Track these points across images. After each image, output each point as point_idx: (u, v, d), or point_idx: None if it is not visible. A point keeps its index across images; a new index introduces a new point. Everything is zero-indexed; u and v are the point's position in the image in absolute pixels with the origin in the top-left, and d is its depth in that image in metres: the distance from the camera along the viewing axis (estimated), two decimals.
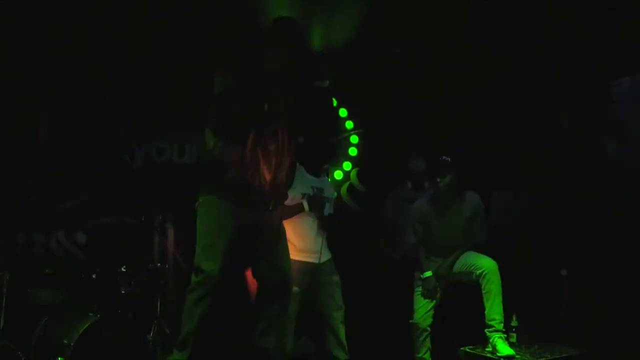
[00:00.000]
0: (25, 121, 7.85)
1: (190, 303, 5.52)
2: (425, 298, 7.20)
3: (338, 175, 9.05)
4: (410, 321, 7.23)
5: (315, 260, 6.82)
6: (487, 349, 6.87)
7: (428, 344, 7.19)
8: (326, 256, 6.94)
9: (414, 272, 7.42)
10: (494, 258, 7.03)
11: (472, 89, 8.63)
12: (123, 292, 6.79)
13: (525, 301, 7.52)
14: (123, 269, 6.81)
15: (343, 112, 9.09)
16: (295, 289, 6.43)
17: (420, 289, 7.26)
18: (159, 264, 7.02)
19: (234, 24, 7.65)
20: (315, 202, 6.81)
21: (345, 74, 8.23)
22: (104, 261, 6.98)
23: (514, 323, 7.08)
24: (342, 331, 6.89)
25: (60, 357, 5.94)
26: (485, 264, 6.97)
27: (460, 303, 7.42)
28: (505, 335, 6.85)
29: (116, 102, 8.21)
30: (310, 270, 6.82)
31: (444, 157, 7.20)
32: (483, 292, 6.90)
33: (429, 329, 7.16)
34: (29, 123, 7.88)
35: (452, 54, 8.37)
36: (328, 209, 6.97)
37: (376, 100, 8.87)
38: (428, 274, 7.20)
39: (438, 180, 7.17)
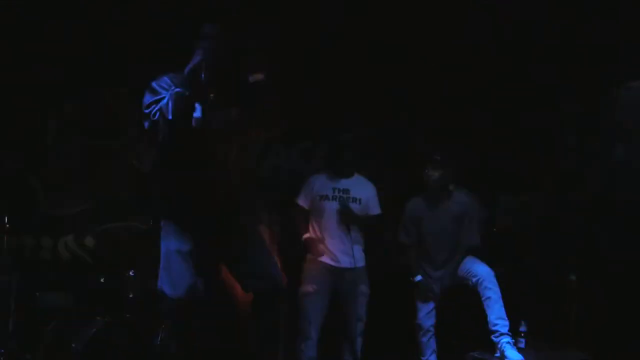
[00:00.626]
0: (34, 124, 7.87)
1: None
2: (420, 301, 7.26)
3: None
4: (416, 322, 7.27)
5: (336, 264, 6.93)
6: (495, 355, 6.84)
7: (433, 345, 7.23)
8: (354, 263, 7.00)
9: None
10: (499, 262, 7.11)
11: (473, 89, 8.61)
12: (131, 296, 6.80)
13: (534, 306, 7.55)
14: (131, 273, 6.82)
15: None
16: (310, 288, 6.43)
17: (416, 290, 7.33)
18: None
19: None
20: (340, 204, 6.96)
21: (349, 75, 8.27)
22: (112, 265, 7.01)
23: (522, 328, 7.04)
24: (357, 343, 6.95)
25: None
26: (480, 271, 7.00)
27: (468, 307, 7.36)
28: (514, 340, 6.83)
29: (125, 105, 8.22)
30: (332, 272, 6.93)
31: (435, 156, 7.29)
32: (482, 300, 6.93)
33: (432, 329, 7.22)
34: (38, 126, 7.89)
35: (452, 54, 8.37)
36: (360, 209, 7.08)
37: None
38: (418, 277, 7.26)
39: (426, 172, 7.26)
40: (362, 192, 7.19)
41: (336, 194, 7.08)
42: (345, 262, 7.00)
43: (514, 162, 8.46)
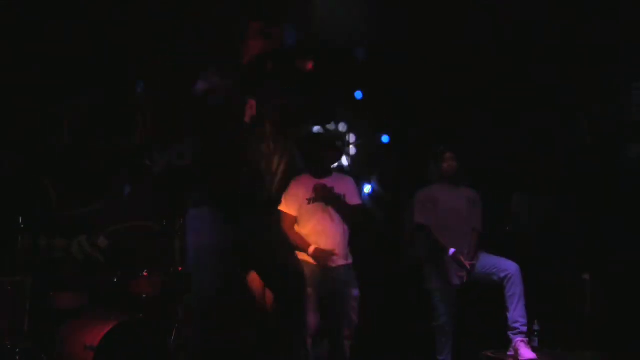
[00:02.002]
0: (47, 125, 7.90)
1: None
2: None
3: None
4: (434, 324, 7.26)
5: (331, 263, 6.88)
6: (508, 353, 6.88)
7: (450, 345, 7.23)
8: (347, 259, 6.99)
9: (424, 270, 7.48)
10: (513, 260, 7.06)
11: (474, 89, 8.63)
12: (144, 296, 6.82)
13: (547, 305, 7.56)
14: (144, 273, 6.84)
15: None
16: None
17: (439, 292, 7.28)
18: (180, 268, 7.04)
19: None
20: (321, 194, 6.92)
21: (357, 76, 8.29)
22: (126, 265, 7.04)
23: (536, 327, 7.13)
24: (345, 348, 6.87)
25: None
26: (509, 267, 7.00)
27: (482, 306, 7.48)
28: (528, 339, 6.85)
29: (137, 105, 8.25)
30: (324, 272, 6.86)
31: (447, 149, 7.49)
32: (507, 295, 6.93)
33: (452, 330, 7.22)
34: (51, 127, 7.91)
35: (457, 55, 8.38)
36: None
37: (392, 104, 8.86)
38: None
39: (448, 165, 7.43)
40: (343, 186, 7.13)
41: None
42: (339, 260, 6.96)
43: (526, 162, 8.46)
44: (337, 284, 6.87)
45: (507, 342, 6.88)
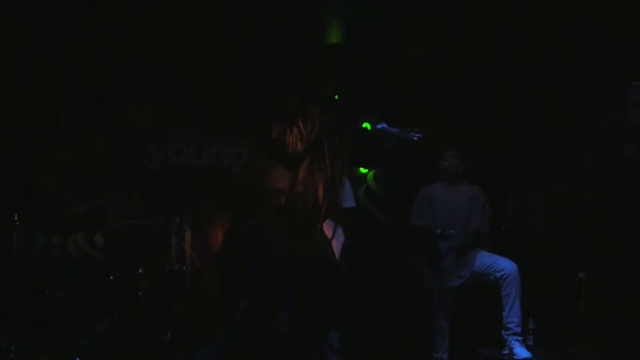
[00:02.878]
0: (43, 122, 7.91)
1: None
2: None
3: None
4: (432, 322, 7.23)
5: None
6: (503, 352, 6.85)
7: (446, 344, 7.19)
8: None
9: (423, 270, 7.39)
10: (509, 259, 7.03)
11: (490, 88, 8.63)
12: (140, 294, 6.83)
13: (543, 303, 7.51)
14: (140, 271, 6.85)
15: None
16: None
17: (437, 291, 7.21)
18: (176, 266, 7.05)
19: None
20: None
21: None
22: (122, 263, 7.04)
23: (531, 326, 7.09)
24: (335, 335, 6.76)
25: (78, 358, 5.99)
26: (506, 267, 6.94)
27: (479, 304, 7.43)
28: (522, 338, 6.84)
29: (134, 104, 8.26)
30: None
31: (450, 149, 7.42)
32: (502, 294, 6.88)
33: (448, 328, 7.18)
34: (47, 124, 7.92)
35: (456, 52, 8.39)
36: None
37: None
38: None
39: (449, 164, 7.31)
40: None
41: None
42: None
43: (523, 160, 8.47)
44: None
45: (503, 340, 6.85)
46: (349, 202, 7.03)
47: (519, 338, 6.79)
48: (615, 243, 7.60)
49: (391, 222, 8.86)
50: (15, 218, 6.71)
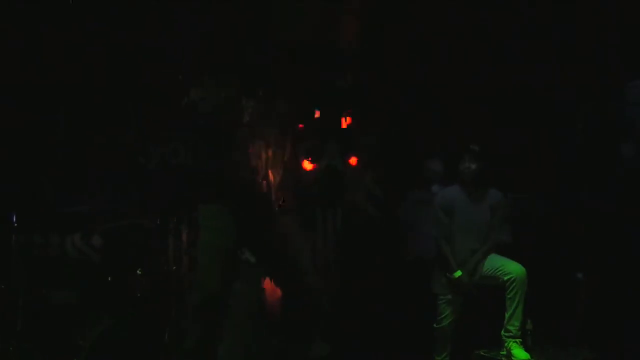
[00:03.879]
0: (41, 122, 7.90)
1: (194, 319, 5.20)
2: (455, 294, 7.14)
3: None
4: (436, 326, 7.21)
5: None
6: (501, 352, 6.86)
7: (449, 347, 7.20)
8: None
9: (432, 273, 7.36)
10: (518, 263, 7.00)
11: (494, 89, 8.61)
12: (138, 294, 6.83)
13: (541, 303, 7.41)
14: (138, 272, 6.85)
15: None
16: None
17: (444, 297, 7.20)
18: (174, 267, 7.03)
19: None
20: None
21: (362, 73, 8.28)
22: (119, 263, 7.04)
23: (528, 326, 6.99)
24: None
25: (76, 358, 5.99)
26: (515, 270, 6.88)
27: (479, 304, 7.35)
28: (521, 340, 6.82)
29: (131, 103, 8.25)
30: None
31: (472, 146, 7.20)
32: (507, 296, 6.85)
33: (453, 335, 7.18)
34: (46, 124, 7.92)
35: (474, 52, 8.37)
36: None
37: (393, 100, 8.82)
38: (458, 273, 7.09)
39: (462, 167, 7.16)
40: None
41: None
42: None
43: (517, 161, 8.45)
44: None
45: (501, 341, 6.87)
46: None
47: (517, 341, 6.78)
48: (614, 243, 7.61)
49: (385, 219, 8.86)
50: (14, 219, 6.73)
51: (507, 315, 6.83)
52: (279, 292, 5.59)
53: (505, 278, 6.88)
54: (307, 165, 8.27)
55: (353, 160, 8.74)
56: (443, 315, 7.20)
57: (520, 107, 8.48)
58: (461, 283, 7.09)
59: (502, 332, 6.86)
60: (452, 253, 7.18)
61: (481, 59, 8.48)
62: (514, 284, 6.82)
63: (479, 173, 7.14)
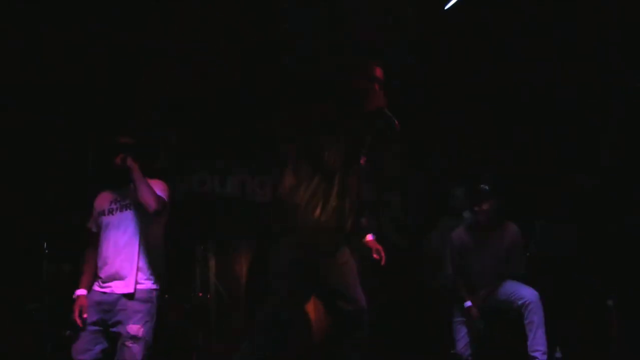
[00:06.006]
0: (68, 154, 7.90)
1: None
2: (471, 332, 7.24)
3: None
4: (452, 351, 7.29)
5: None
6: None
7: None
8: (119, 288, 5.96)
9: (453, 303, 7.44)
10: (536, 287, 7.06)
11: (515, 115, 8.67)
12: (166, 320, 6.87)
13: (571, 331, 7.55)
14: (165, 298, 6.89)
15: None
16: None
17: (459, 319, 7.33)
18: (200, 294, 7.08)
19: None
20: None
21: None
22: None
23: (558, 354, 7.06)
24: None
25: None
26: (527, 294, 6.98)
27: (502, 334, 7.40)
28: None
29: (159, 134, 8.26)
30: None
31: (482, 186, 7.31)
32: (525, 322, 6.91)
33: (470, 358, 7.22)
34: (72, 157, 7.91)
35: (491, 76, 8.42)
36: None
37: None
38: (468, 303, 7.25)
39: (476, 208, 7.24)
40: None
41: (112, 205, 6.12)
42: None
43: (548, 188, 8.51)
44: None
45: None
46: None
47: None
48: None
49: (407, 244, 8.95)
50: (45, 246, 6.73)
51: (529, 342, 6.87)
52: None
53: (520, 303, 6.97)
54: None
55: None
56: (459, 337, 7.34)
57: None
58: (471, 313, 7.23)
59: None
60: (468, 287, 7.36)
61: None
62: (529, 308, 6.91)
63: (492, 212, 7.30)
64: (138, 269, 5.88)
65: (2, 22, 7.56)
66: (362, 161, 5.25)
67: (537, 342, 6.85)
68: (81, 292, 5.92)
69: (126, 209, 6.04)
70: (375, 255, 5.65)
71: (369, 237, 5.72)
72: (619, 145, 8.46)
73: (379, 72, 5.21)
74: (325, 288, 5.21)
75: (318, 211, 5.03)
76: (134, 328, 5.73)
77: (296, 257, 5.08)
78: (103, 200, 6.18)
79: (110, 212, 6.07)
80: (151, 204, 5.86)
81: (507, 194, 7.55)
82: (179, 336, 6.85)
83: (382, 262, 5.68)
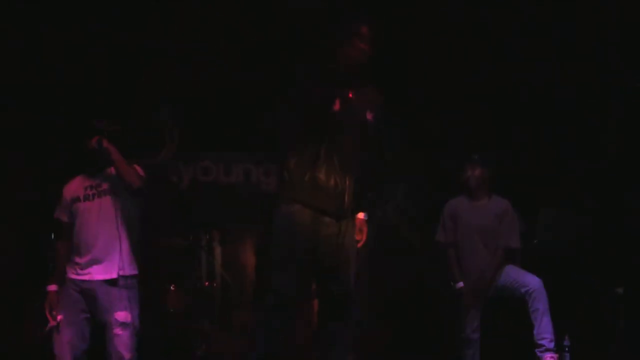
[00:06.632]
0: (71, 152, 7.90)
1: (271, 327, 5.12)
2: (466, 307, 7.13)
3: None
4: (461, 335, 7.15)
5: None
6: None
7: (478, 358, 7.11)
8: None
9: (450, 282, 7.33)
10: (544, 275, 6.99)
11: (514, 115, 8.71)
12: (172, 310, 6.86)
13: (579, 320, 7.52)
14: (172, 288, 6.87)
15: None
16: None
17: (464, 304, 7.19)
18: (206, 283, 7.08)
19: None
20: None
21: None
22: (153, 280, 7.06)
23: (566, 342, 6.95)
24: None
25: None
26: (531, 282, 6.90)
27: (511, 322, 7.39)
28: (557, 355, 6.75)
29: (163, 122, 8.26)
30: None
31: (473, 155, 7.36)
32: (530, 310, 6.83)
33: (478, 342, 7.11)
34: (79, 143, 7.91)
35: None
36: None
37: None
38: (460, 285, 7.18)
39: (468, 173, 7.27)
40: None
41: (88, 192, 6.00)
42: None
43: (555, 175, 8.55)
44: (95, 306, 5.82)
45: (537, 359, 6.77)
46: None
47: (554, 355, 6.72)
48: None
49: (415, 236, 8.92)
50: (52, 235, 6.72)
51: (535, 330, 6.81)
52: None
53: (523, 290, 6.91)
54: None
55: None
56: (464, 323, 7.15)
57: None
58: (464, 294, 7.16)
59: (535, 350, 6.81)
60: (460, 260, 7.28)
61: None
62: (533, 296, 6.83)
63: (482, 179, 7.26)
64: (120, 255, 5.81)
65: (2, 22, 7.53)
66: (369, 116, 5.18)
67: (544, 329, 6.78)
68: (52, 287, 5.85)
69: (105, 195, 5.93)
70: (357, 236, 5.36)
71: (361, 214, 5.42)
72: (619, 144, 8.42)
73: (364, 29, 5.11)
74: (321, 264, 5.11)
75: (317, 173, 5.01)
76: (122, 315, 5.69)
77: (296, 220, 5.03)
78: (75, 187, 6.07)
79: (87, 198, 5.96)
80: (134, 181, 5.84)
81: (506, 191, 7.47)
82: (185, 325, 6.79)
83: (360, 244, 5.39)
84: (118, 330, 5.66)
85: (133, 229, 6.00)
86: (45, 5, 7.60)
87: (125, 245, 5.88)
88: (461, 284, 7.17)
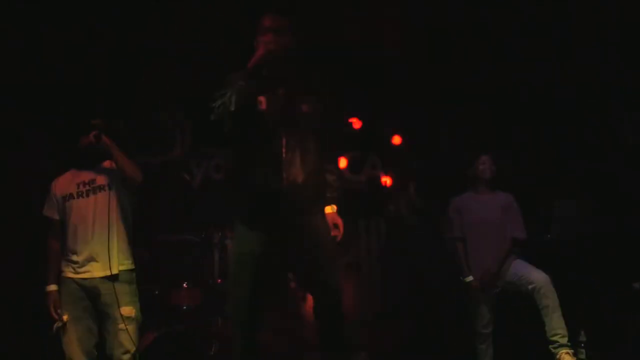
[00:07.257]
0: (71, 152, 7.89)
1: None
2: (477, 300, 7.16)
3: None
4: (474, 330, 7.17)
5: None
6: None
7: (491, 352, 7.14)
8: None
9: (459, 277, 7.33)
10: (559, 269, 7.05)
11: (514, 115, 8.74)
12: (185, 308, 6.85)
13: (596, 315, 7.47)
14: (184, 286, 6.86)
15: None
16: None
17: (476, 298, 7.20)
18: (219, 281, 7.07)
19: None
20: None
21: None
22: (166, 278, 7.11)
23: (582, 338, 6.96)
24: None
25: None
26: (537, 278, 6.87)
27: (525, 318, 7.29)
28: (573, 351, 6.70)
29: (174, 120, 8.26)
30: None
31: (481, 152, 7.43)
32: (540, 307, 6.78)
33: (490, 336, 7.14)
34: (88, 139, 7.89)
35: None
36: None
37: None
38: (469, 278, 7.18)
39: (486, 167, 7.34)
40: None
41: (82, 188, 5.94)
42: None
43: (570, 167, 8.57)
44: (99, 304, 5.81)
45: (552, 355, 6.70)
46: None
47: (569, 351, 6.66)
48: None
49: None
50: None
51: (546, 327, 6.74)
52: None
53: (530, 287, 6.86)
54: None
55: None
56: (477, 318, 7.18)
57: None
58: (473, 286, 7.16)
59: (550, 347, 6.75)
60: (468, 254, 7.29)
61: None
62: (541, 292, 6.79)
63: (490, 172, 7.33)
64: (118, 251, 5.80)
65: (2, 22, 7.49)
66: (305, 109, 5.13)
67: (555, 325, 6.73)
68: (52, 287, 5.81)
69: (100, 190, 5.89)
70: (333, 231, 5.30)
71: (328, 209, 5.35)
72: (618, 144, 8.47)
73: (267, 21, 5.12)
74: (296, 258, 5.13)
75: (263, 172, 4.97)
76: (127, 310, 5.71)
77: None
78: (66, 183, 5.99)
79: (81, 194, 5.90)
80: (138, 175, 5.87)
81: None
82: (198, 323, 6.77)
83: (338, 239, 5.34)
84: (123, 325, 5.67)
85: (128, 223, 5.97)
86: (45, 5, 7.52)
87: (123, 240, 5.87)
88: (471, 277, 7.16)
